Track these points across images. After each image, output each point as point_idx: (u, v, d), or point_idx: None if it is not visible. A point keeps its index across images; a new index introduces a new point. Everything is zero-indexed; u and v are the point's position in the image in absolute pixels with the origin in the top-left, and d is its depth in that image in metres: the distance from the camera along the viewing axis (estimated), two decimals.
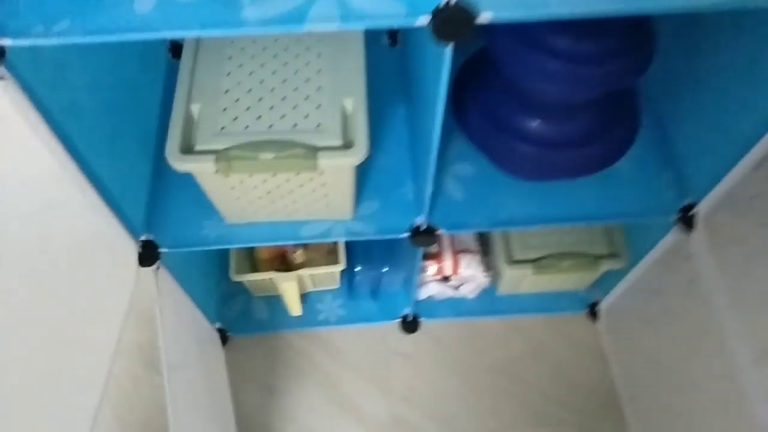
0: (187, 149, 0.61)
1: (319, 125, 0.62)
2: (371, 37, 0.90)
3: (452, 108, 0.74)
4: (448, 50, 0.48)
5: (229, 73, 0.65)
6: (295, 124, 0.62)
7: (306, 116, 0.62)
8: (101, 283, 0.69)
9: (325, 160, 0.59)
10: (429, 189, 0.68)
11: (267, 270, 0.97)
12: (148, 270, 0.72)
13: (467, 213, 0.75)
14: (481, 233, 1.02)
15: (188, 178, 0.64)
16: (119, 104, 0.69)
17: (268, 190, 0.66)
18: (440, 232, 0.74)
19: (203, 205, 0.73)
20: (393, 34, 0.89)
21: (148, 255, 0.71)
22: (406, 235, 0.74)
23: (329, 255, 1.01)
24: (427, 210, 0.72)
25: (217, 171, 0.60)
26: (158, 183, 0.77)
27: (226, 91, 0.64)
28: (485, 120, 0.72)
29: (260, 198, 0.68)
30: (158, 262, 0.73)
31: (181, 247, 0.73)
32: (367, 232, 0.74)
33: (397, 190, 0.77)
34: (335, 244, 1.00)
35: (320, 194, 0.68)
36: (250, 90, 0.64)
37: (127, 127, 0.70)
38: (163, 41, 0.83)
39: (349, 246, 0.99)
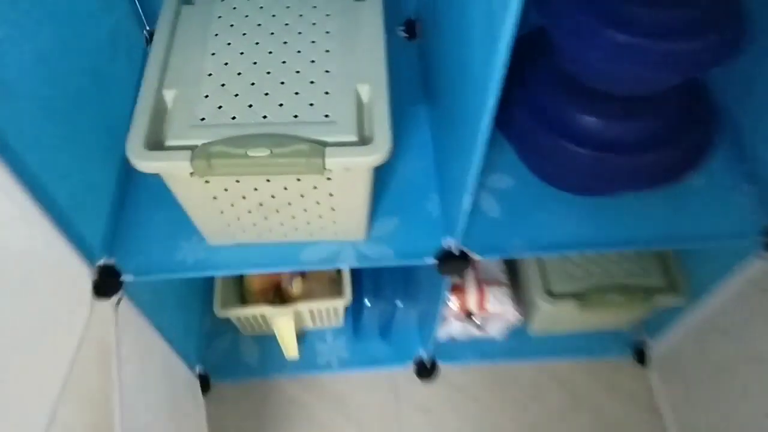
0: (156, 145, 0.47)
1: (327, 116, 0.48)
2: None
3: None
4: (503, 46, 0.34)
5: (213, 53, 0.52)
6: (296, 115, 0.48)
7: (310, 105, 0.49)
8: (47, 319, 0.54)
9: (335, 159, 0.45)
10: (467, 203, 0.53)
11: (258, 303, 0.82)
12: (106, 303, 0.57)
13: (505, 234, 0.61)
14: (510, 261, 0.88)
15: (162, 188, 0.50)
16: (78, 94, 0.55)
17: (260, 201, 0.52)
18: (473, 256, 0.59)
19: (180, 222, 0.59)
20: (410, 25, 0.76)
21: (106, 284, 0.56)
22: (431, 261, 0.59)
23: (332, 286, 0.86)
24: (460, 229, 0.58)
25: (193, 173, 0.45)
26: (125, 193, 0.62)
27: (210, 74, 0.50)
28: (530, 117, 0.58)
29: (250, 212, 0.54)
30: (120, 294, 0.58)
31: (150, 274, 0.58)
32: (383, 256, 0.59)
33: (419, 205, 0.63)
34: (339, 272, 0.85)
35: (326, 207, 0.53)
36: (239, 73, 0.50)
37: (87, 122, 0.56)
38: (139, 22, 0.70)
39: (356, 275, 0.84)
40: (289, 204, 0.53)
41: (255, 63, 0.51)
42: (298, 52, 0.52)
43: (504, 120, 0.60)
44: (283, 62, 0.51)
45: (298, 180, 0.49)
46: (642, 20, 0.47)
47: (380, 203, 0.62)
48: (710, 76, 0.65)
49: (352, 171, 0.48)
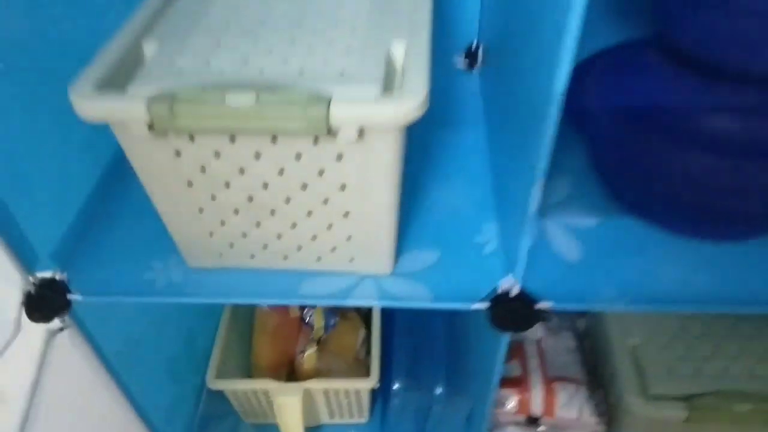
0: (112, 90, 0.35)
1: (343, 71, 0.35)
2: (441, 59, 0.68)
3: (575, 114, 0.46)
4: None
5: (218, 8, 0.42)
6: (302, 70, 0.36)
7: (324, 60, 0.36)
8: None
9: (345, 112, 0.31)
10: (529, 229, 0.37)
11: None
12: (39, 329, 0.43)
13: (588, 281, 0.43)
14: (590, 354, 0.68)
15: (140, 190, 0.38)
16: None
17: (248, 192, 0.38)
18: (544, 305, 0.42)
19: (158, 240, 0.46)
20: (471, 52, 0.66)
21: (44, 301, 0.43)
22: (482, 305, 0.42)
23: (356, 365, 0.68)
24: (521, 267, 0.41)
25: (151, 126, 0.33)
26: (101, 197, 0.51)
27: (206, 28, 0.40)
28: (629, 123, 0.43)
29: (237, 212, 0.40)
30: (63, 320, 0.44)
31: (104, 294, 0.44)
32: (415, 295, 0.43)
33: (468, 238, 0.47)
34: (367, 350, 0.67)
35: (337, 209, 0.39)
36: (243, 29, 0.39)
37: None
38: None
39: (387, 352, 0.66)
40: (288, 201, 0.39)
41: (264, 21, 0.40)
42: (322, 10, 0.41)
43: (588, 128, 0.45)
44: (301, 20, 0.40)
45: (298, 158, 0.36)
46: None
47: (418, 232, 0.47)
48: None
49: (372, 138, 0.34)
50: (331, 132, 0.32)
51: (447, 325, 0.70)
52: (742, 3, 0.34)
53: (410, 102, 0.31)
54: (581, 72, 0.49)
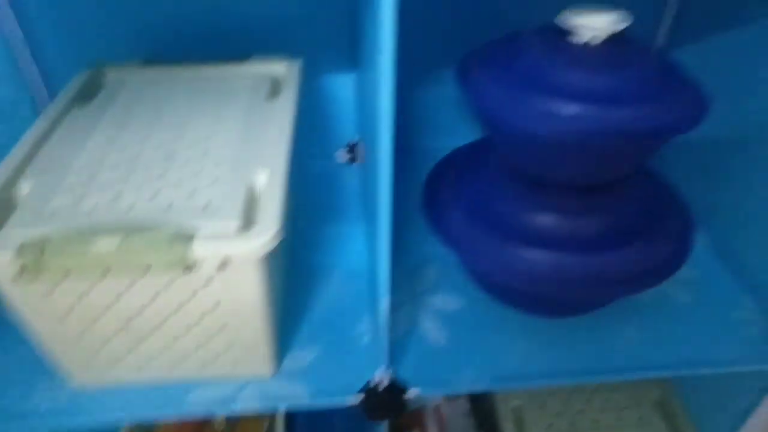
0: None
1: (208, 204, 0.39)
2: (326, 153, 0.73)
3: (429, 216, 0.52)
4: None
5: (92, 146, 0.45)
6: (171, 204, 0.39)
7: (191, 193, 0.40)
8: None
9: (206, 247, 0.35)
10: (383, 321, 0.42)
11: None
12: None
13: (454, 365, 0.48)
14: (481, 418, 0.72)
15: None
16: None
17: (125, 317, 0.41)
18: (413, 393, 0.46)
19: (36, 358, 0.47)
20: (353, 148, 0.72)
21: None
22: (356, 398, 0.46)
23: None
24: (386, 357, 0.46)
25: (22, 273, 0.35)
26: None
27: (79, 166, 0.43)
28: (473, 224, 0.50)
29: (117, 334, 0.42)
30: None
31: None
32: (294, 395, 0.46)
33: (347, 331, 0.51)
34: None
35: (214, 323, 0.42)
36: (115, 166, 0.43)
37: None
38: None
39: None
40: (165, 321, 0.41)
41: (137, 156, 0.44)
42: (191, 144, 0.45)
43: (442, 227, 0.51)
44: (171, 154, 0.44)
45: (170, 283, 0.39)
46: (588, 88, 0.41)
47: (299, 330, 0.51)
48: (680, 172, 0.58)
49: (234, 267, 0.37)
50: (194, 266, 0.36)
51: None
52: (556, 124, 0.41)
53: (264, 237, 0.35)
54: (437, 171, 0.56)
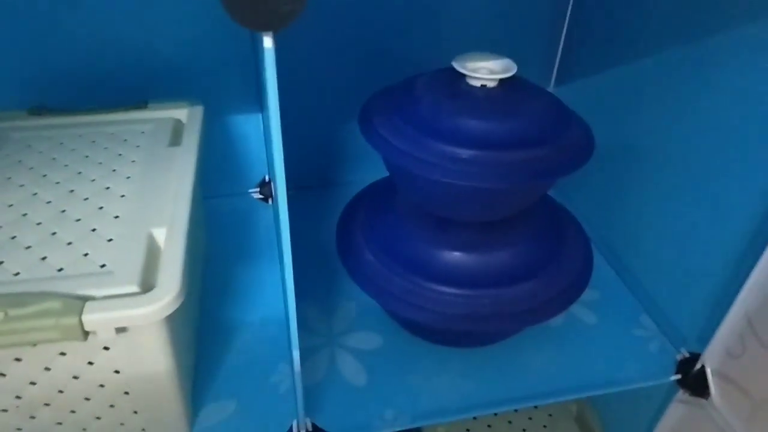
0: None
1: (103, 266, 0.37)
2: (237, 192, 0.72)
3: (342, 257, 0.52)
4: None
5: None
6: (61, 268, 0.37)
7: (84, 255, 0.38)
8: None
9: (99, 315, 0.33)
10: (296, 371, 0.42)
11: None
12: None
13: (374, 405, 0.48)
14: None
15: None
16: None
17: (15, 392, 0.38)
18: None
19: None
20: (265, 186, 0.71)
21: None
22: None
23: None
24: (302, 406, 0.45)
25: None
26: None
27: None
28: (383, 263, 0.50)
29: (6, 410, 0.39)
30: None
31: None
32: None
33: (264, 379, 0.50)
34: None
35: (115, 392, 0.40)
36: (2, 226, 0.40)
37: None
38: None
39: None
40: (61, 392, 0.39)
41: (25, 215, 0.41)
42: (86, 199, 0.43)
43: (355, 267, 0.51)
44: (61, 212, 0.42)
45: (62, 354, 0.36)
46: (479, 133, 0.43)
47: (213, 385, 0.49)
48: (576, 203, 0.61)
49: (132, 332, 0.36)
50: (88, 335, 0.34)
51: None
52: (451, 169, 0.42)
53: (164, 299, 0.34)
54: (348, 211, 0.56)
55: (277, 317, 0.56)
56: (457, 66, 0.44)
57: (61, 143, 0.49)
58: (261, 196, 0.71)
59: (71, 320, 0.33)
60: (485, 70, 0.44)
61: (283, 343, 0.53)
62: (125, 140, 0.50)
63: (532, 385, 0.51)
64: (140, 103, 0.55)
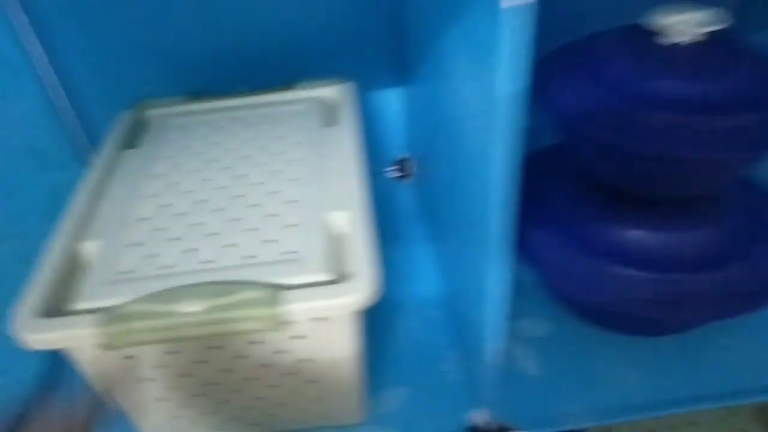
0: (59, 311, 0.34)
1: (290, 253, 0.36)
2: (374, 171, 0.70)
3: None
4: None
5: (151, 195, 0.42)
6: (250, 255, 0.36)
7: (269, 242, 0.37)
8: None
9: (299, 305, 0.32)
10: (493, 355, 0.39)
11: None
12: None
13: (552, 398, 0.45)
14: None
15: None
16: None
17: (209, 379, 0.38)
18: None
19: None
20: (402, 164, 0.68)
21: None
22: None
23: None
24: (490, 396, 0.42)
25: (107, 345, 0.32)
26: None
27: (143, 219, 0.40)
28: (559, 242, 0.46)
29: (200, 396, 0.39)
30: None
31: None
32: None
33: (431, 368, 0.48)
34: None
35: (301, 379, 0.39)
36: (181, 214, 0.40)
37: None
38: None
39: None
40: (251, 380, 0.38)
41: (203, 201, 0.41)
42: (258, 184, 0.42)
43: (528, 248, 0.47)
44: (238, 197, 0.41)
45: (255, 344, 0.36)
46: (683, 96, 0.37)
47: (382, 371, 0.47)
48: None
49: (327, 322, 0.34)
50: (285, 325, 0.33)
51: None
52: (652, 134, 0.37)
53: (365, 290, 0.32)
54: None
55: (433, 301, 0.53)
56: (651, 20, 0.39)
57: (221, 127, 0.49)
58: (400, 174, 0.68)
59: (274, 310, 0.32)
60: (685, 25, 0.39)
61: (444, 327, 0.51)
62: (281, 122, 0.49)
63: (730, 380, 0.45)
64: (288, 83, 0.53)
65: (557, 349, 0.48)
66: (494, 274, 0.33)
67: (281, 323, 0.32)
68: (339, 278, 0.34)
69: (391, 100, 0.65)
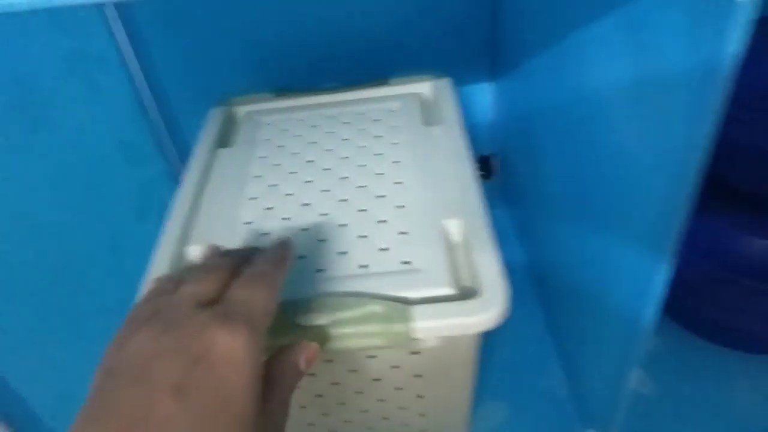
0: None
1: (406, 263, 0.34)
2: None
3: None
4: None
5: (254, 198, 0.40)
6: (364, 265, 0.34)
7: (382, 250, 0.35)
8: None
9: (428, 323, 0.30)
10: (629, 382, 0.36)
11: None
12: None
13: (671, 419, 0.42)
14: None
15: None
16: (89, 263, 0.44)
17: (318, 391, 0.36)
18: None
19: None
20: (485, 162, 0.66)
21: None
22: None
23: None
24: (606, 415, 0.39)
25: None
26: None
27: (248, 222, 0.38)
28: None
29: (304, 407, 0.38)
30: None
31: None
32: None
33: (534, 382, 0.45)
34: None
35: (411, 394, 0.37)
36: (286, 218, 0.38)
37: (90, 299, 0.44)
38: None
39: None
40: (359, 393, 0.37)
41: (306, 204, 0.39)
42: (362, 187, 0.40)
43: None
44: (343, 200, 0.39)
45: (371, 357, 0.34)
46: None
47: (483, 384, 0.45)
48: None
49: (450, 339, 0.32)
50: (412, 342, 0.31)
51: None
52: None
53: (495, 309, 0.30)
54: None
55: (530, 310, 0.51)
56: None
57: (315, 125, 0.47)
58: (482, 173, 0.66)
59: (400, 327, 0.30)
60: None
61: (546, 340, 0.48)
62: (377, 120, 0.47)
63: None
64: (381, 79, 0.51)
65: (670, 366, 0.45)
66: (655, 273, 0.29)
67: (409, 340, 0.30)
68: (463, 293, 0.32)
69: (476, 95, 0.62)
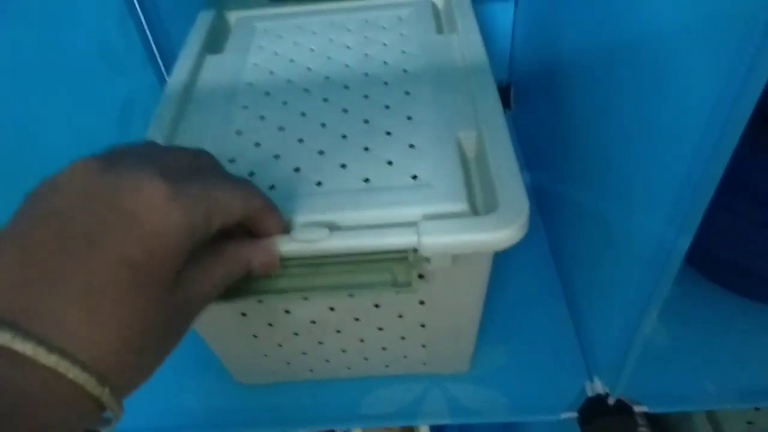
0: None
1: (414, 178, 0.30)
2: None
3: None
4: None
5: (245, 106, 0.36)
6: (367, 179, 0.30)
7: (388, 164, 0.31)
8: None
9: (438, 239, 0.26)
10: (641, 334, 0.32)
11: None
12: None
13: (687, 370, 0.39)
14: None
15: None
16: None
17: (312, 317, 0.33)
18: (639, 409, 0.37)
19: (189, 352, 0.40)
20: (503, 93, 0.61)
21: None
22: (570, 414, 0.37)
23: None
24: (615, 367, 0.36)
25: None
26: None
27: (238, 132, 0.34)
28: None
29: (297, 335, 0.35)
30: None
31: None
32: (491, 407, 0.38)
33: (540, 327, 0.42)
34: None
35: (413, 322, 0.34)
36: (281, 128, 0.34)
37: None
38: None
39: None
40: (357, 320, 0.34)
41: (303, 114, 0.35)
42: (365, 97, 0.36)
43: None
44: (344, 110, 0.35)
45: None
46: None
47: (484, 324, 0.42)
48: None
49: (459, 260, 0.29)
50: (422, 264, 0.27)
51: None
52: None
53: (514, 225, 0.26)
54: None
55: (538, 249, 0.47)
56: None
57: (314, 32, 0.42)
58: None
59: (406, 269, 0.26)
60: None
61: (555, 283, 0.45)
62: (383, 27, 0.42)
63: None
64: None
65: (687, 315, 0.42)
66: (688, 213, 0.25)
67: (410, 281, 0.26)
68: (477, 209, 0.28)
69: (495, 18, 0.57)
